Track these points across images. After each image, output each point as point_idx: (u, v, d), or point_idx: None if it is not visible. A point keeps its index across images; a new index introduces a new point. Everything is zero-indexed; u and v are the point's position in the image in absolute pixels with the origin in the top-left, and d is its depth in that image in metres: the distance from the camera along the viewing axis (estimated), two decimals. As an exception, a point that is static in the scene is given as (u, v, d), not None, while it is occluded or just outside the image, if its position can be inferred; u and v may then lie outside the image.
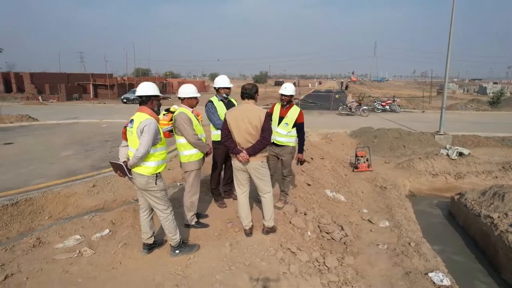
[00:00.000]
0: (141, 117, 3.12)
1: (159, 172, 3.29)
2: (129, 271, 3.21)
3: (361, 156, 9.74)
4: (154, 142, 3.16)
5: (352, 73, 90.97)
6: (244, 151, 3.47)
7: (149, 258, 3.41)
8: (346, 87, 49.22)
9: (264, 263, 3.39)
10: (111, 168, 5.54)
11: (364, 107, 20.21)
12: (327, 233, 4.78)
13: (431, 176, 9.57)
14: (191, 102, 3.93)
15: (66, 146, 9.62)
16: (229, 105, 4.66)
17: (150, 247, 3.52)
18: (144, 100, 3.22)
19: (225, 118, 3.59)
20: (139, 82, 38.30)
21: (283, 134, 4.54)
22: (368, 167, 9.53)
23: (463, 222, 7.34)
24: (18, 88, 36.03)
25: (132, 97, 31.30)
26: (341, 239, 4.78)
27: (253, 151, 3.46)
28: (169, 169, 6.69)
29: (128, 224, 4.18)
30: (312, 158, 8.12)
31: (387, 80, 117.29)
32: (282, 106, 4.57)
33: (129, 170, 3.18)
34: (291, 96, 4.51)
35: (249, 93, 3.54)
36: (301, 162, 4.70)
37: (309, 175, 6.83)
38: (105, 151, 9.08)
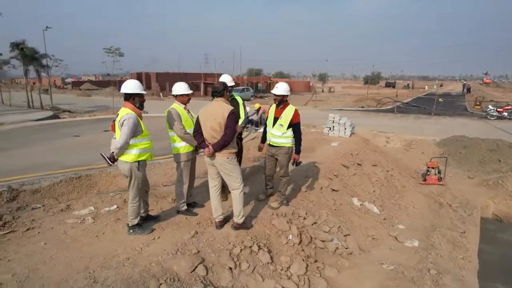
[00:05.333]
0: (123, 112, 3.61)
1: (141, 160, 3.74)
2: (105, 241, 3.75)
3: (432, 168, 8.55)
4: (135, 134, 3.61)
5: (485, 73, 76.49)
6: (209, 146, 3.65)
7: (125, 232, 3.90)
8: (468, 90, 42.16)
9: (214, 255, 3.49)
10: (161, 157, 6.44)
11: None
12: (323, 241, 4.51)
13: (526, 199, 7.74)
14: (182, 99, 4.28)
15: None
16: (233, 103, 4.84)
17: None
18: (127, 97, 3.70)
19: (198, 115, 3.83)
20: (245, 81, 41.08)
21: (278, 135, 4.48)
22: (439, 180, 8.30)
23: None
24: (147, 85, 42.98)
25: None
26: (336, 250, 4.45)
27: (217, 146, 3.61)
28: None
29: (135, 203, 4.80)
30: (359, 164, 7.54)
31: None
32: (277, 106, 4.52)
33: (115, 159, 3.71)
34: (284, 96, 4.41)
35: (217, 91, 3.70)
36: (296, 163, 4.54)
37: (342, 181, 6.41)
38: (168, 142, 10.28)
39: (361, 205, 5.90)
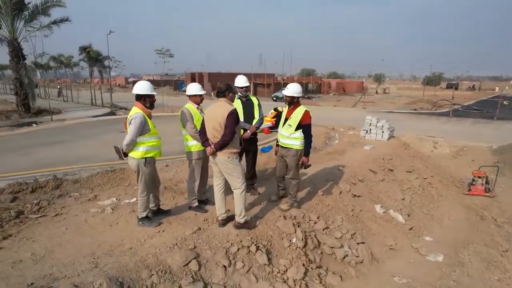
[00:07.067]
0: (133, 111, 3.86)
1: (148, 157, 3.95)
2: (116, 230, 4.03)
3: (478, 177, 7.78)
4: (142, 132, 3.84)
5: None
6: (211, 145, 3.75)
7: (135, 224, 4.14)
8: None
9: (210, 251, 3.56)
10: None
11: None
12: (331, 247, 4.36)
13: None
14: (195, 99, 4.43)
15: (178, 133, 11.63)
16: (248, 103, 4.90)
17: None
18: (139, 97, 3.93)
19: (203, 115, 3.96)
20: (296, 81, 40.90)
21: (286, 135, 4.43)
22: (486, 191, 7.53)
23: None
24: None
25: (281, 96, 33.93)
26: (345, 257, 4.28)
27: (218, 146, 3.69)
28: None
29: (154, 197, 5.07)
30: (391, 170, 7.12)
31: None
32: (288, 106, 4.47)
33: (125, 154, 3.98)
34: (294, 97, 4.36)
35: (221, 92, 3.78)
36: (305, 166, 4.43)
37: (367, 187, 6.11)
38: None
39: (384, 212, 5.58)
